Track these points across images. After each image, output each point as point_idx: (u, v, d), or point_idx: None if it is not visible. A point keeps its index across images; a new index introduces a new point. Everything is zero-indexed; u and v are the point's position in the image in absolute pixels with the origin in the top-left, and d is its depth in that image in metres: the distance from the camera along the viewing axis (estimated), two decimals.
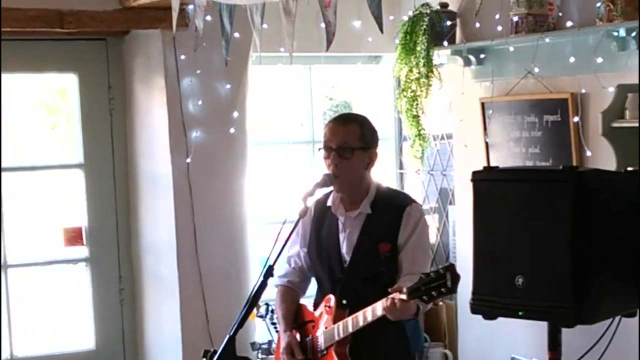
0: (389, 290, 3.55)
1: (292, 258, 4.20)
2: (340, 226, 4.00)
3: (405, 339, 3.98)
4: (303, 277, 4.20)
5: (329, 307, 3.91)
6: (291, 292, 4.17)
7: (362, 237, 3.93)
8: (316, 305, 4.07)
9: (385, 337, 3.85)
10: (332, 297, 3.92)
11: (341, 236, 3.98)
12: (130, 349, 5.97)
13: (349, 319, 3.76)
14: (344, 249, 3.96)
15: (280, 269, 4.17)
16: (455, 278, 3.32)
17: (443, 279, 3.32)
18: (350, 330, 3.75)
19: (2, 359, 5.49)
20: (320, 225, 4.08)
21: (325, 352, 3.87)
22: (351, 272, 3.93)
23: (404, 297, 3.46)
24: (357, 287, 3.87)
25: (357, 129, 3.91)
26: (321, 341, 3.91)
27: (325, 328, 3.89)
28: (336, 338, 3.81)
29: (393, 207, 3.93)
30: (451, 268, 3.33)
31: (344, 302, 3.87)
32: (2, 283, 5.54)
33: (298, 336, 4.04)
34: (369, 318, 3.65)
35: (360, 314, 3.70)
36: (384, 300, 3.56)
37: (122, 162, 5.84)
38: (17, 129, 5.70)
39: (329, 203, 4.06)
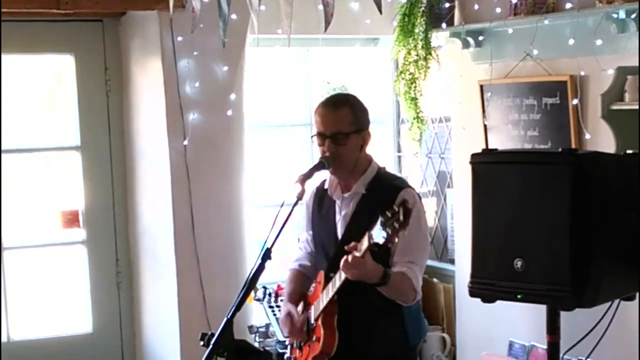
0: (345, 248, 3.55)
1: (303, 243, 4.23)
2: (337, 208, 3.99)
3: (403, 330, 3.95)
4: (314, 261, 4.19)
5: (319, 282, 3.91)
6: (300, 275, 4.16)
7: (355, 216, 3.91)
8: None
9: (381, 328, 3.86)
10: (321, 272, 3.93)
11: (337, 218, 3.98)
12: (127, 332, 5.97)
13: (330, 285, 3.74)
14: (339, 230, 3.96)
15: (295, 254, 4.23)
16: (407, 212, 3.26)
17: (397, 215, 3.29)
18: (331, 293, 3.73)
19: None
20: (320, 209, 4.08)
21: (314, 325, 3.87)
22: (342, 248, 3.90)
23: (357, 254, 3.46)
24: None
25: (349, 113, 3.86)
26: (312, 315, 3.91)
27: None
28: (321, 307, 3.81)
29: (387, 188, 3.89)
30: (404, 203, 3.29)
31: (331, 275, 3.86)
32: None
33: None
34: (343, 276, 3.62)
35: (336, 275, 3.69)
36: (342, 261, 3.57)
37: (119, 144, 5.82)
38: (14, 110, 5.67)
39: (326, 186, 4.05)
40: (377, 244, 3.39)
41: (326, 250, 4.02)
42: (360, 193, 3.92)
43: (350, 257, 3.51)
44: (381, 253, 3.76)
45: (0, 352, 5.43)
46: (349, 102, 3.95)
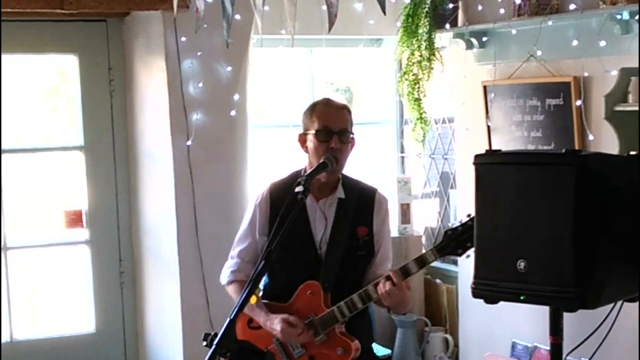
0: (391, 274, 3.60)
1: (243, 251, 4.03)
2: (318, 213, 3.94)
3: (370, 324, 4.13)
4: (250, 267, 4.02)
5: (313, 293, 3.87)
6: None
7: (339, 222, 3.91)
8: (268, 296, 4.01)
9: (357, 325, 3.90)
10: (315, 283, 3.87)
11: (318, 224, 3.92)
12: (130, 332, 5.97)
13: (355, 296, 3.75)
14: (318, 235, 3.91)
15: (230, 265, 4.05)
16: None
17: (468, 232, 3.36)
18: (360, 306, 3.76)
19: (2, 342, 5.50)
20: (283, 214, 3.80)
21: (325, 337, 3.84)
22: (330, 256, 3.88)
23: (402, 281, 3.55)
24: (335, 271, 3.86)
25: (348, 114, 3.94)
26: (317, 327, 3.87)
27: (316, 314, 3.85)
28: (340, 319, 3.80)
29: (362, 191, 3.98)
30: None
31: (327, 285, 3.85)
32: (2, 265, 5.54)
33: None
34: (374, 297, 3.71)
35: (370, 286, 3.72)
36: (381, 285, 3.62)
37: (122, 144, 5.82)
38: (17, 111, 5.68)
39: (297, 189, 3.94)
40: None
41: (301, 257, 3.92)
42: (338, 197, 3.93)
43: (397, 286, 3.58)
44: (366, 247, 3.86)
45: (1, 351, 5.44)
46: (345, 105, 4.05)
